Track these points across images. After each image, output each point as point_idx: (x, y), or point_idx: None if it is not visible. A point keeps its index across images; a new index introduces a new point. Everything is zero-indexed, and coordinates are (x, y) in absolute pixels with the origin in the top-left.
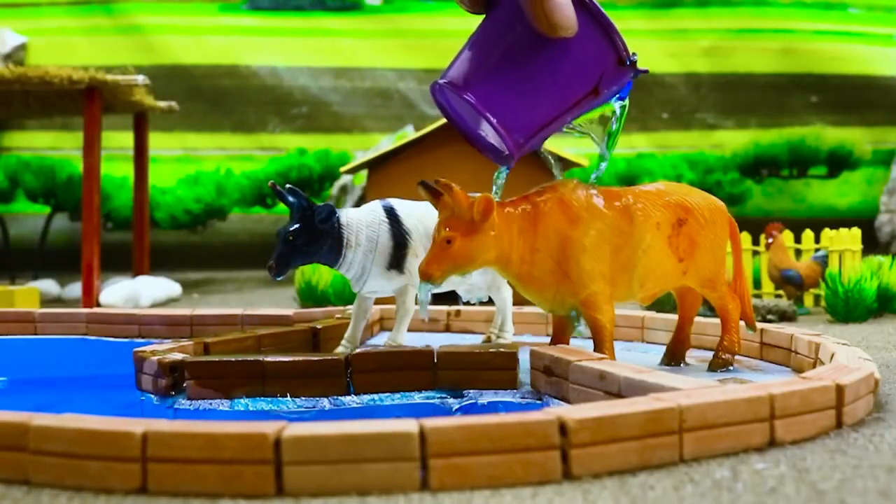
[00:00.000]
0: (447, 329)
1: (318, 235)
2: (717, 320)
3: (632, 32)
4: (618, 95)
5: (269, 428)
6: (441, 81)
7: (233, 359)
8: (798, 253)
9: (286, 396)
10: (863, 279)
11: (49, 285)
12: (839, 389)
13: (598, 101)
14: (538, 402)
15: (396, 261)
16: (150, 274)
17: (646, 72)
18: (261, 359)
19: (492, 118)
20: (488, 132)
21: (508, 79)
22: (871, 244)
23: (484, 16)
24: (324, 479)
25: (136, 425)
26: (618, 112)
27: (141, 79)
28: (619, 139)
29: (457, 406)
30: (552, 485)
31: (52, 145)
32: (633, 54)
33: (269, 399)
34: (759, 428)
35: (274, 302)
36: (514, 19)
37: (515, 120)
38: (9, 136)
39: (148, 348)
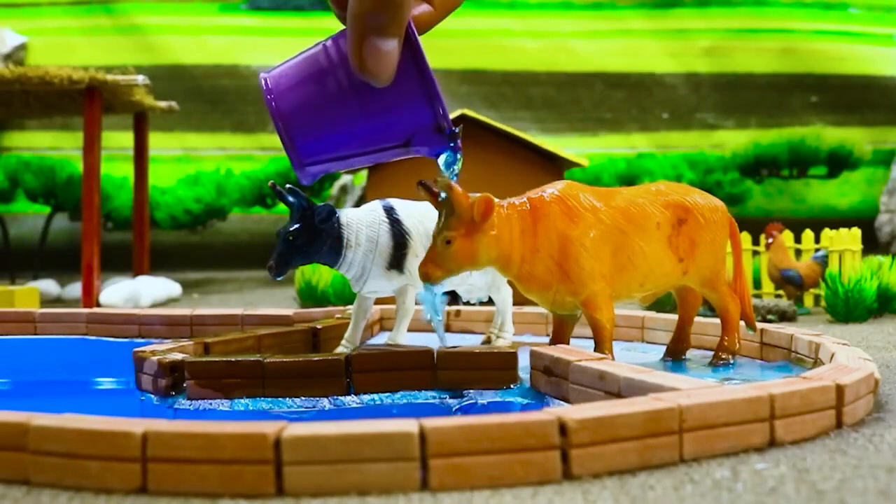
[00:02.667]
0: (447, 329)
1: (318, 235)
2: (717, 320)
3: (632, 32)
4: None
5: (269, 428)
6: (263, 75)
7: (233, 359)
8: (798, 253)
9: (286, 397)
10: (863, 279)
11: (49, 285)
12: (839, 389)
13: (412, 154)
14: (538, 402)
15: (396, 261)
16: (150, 274)
17: (458, 149)
18: (261, 359)
19: (282, 128)
20: None
21: (321, 99)
22: (871, 244)
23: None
24: (324, 479)
25: (136, 425)
26: (443, 163)
27: (141, 79)
28: (619, 138)
29: (457, 406)
30: (552, 485)
31: (52, 145)
32: (456, 128)
33: (269, 399)
34: (759, 428)
35: (274, 302)
36: None
37: (309, 139)
38: (9, 136)
39: (148, 348)
